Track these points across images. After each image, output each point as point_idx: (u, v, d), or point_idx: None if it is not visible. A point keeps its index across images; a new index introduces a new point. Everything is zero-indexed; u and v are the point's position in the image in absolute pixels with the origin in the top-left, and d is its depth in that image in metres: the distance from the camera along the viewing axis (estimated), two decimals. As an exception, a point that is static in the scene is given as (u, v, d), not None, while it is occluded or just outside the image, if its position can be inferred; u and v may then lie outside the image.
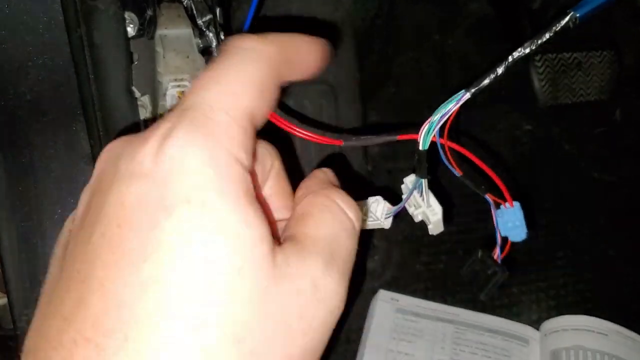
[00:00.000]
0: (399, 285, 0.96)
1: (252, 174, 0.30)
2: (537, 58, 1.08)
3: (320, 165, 0.61)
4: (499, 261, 0.47)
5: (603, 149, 1.16)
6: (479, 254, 0.48)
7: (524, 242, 1.03)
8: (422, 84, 1.09)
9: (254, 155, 0.31)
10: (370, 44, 1.03)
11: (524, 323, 0.92)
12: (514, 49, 0.44)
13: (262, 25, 0.88)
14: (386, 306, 0.90)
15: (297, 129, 0.43)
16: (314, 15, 0.89)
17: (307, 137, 0.43)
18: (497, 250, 0.47)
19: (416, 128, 0.44)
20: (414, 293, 0.94)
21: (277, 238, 0.31)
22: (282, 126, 0.43)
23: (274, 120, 0.42)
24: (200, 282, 0.26)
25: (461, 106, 0.45)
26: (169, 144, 0.28)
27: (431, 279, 0.97)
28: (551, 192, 1.10)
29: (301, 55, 0.34)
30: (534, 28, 1.01)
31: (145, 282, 0.25)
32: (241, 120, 0.29)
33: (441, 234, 1.04)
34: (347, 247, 0.33)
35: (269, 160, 0.36)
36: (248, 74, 0.30)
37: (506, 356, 0.87)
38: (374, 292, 0.93)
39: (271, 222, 0.30)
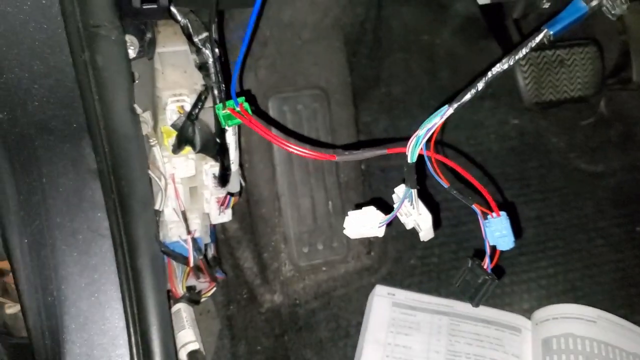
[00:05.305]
0: (395, 280, 0.99)
1: None
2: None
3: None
4: (488, 270, 0.50)
5: (590, 141, 1.19)
6: (469, 263, 0.50)
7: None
8: (412, 83, 1.12)
9: None
10: (361, 48, 1.05)
11: (516, 313, 0.95)
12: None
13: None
14: (383, 301, 0.93)
15: (294, 147, 0.46)
16: (304, 23, 0.92)
17: (303, 155, 0.46)
18: (487, 260, 0.50)
19: (404, 141, 0.47)
20: (409, 287, 0.97)
21: None
22: (281, 145, 0.46)
23: (273, 141, 0.45)
24: None
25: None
26: None
27: (426, 273, 1.00)
28: (540, 183, 1.13)
29: None
30: (517, 27, 1.04)
31: None
32: None
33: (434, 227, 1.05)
34: None
35: None
36: None
37: (500, 345, 0.90)
38: (371, 287, 0.95)
39: None
